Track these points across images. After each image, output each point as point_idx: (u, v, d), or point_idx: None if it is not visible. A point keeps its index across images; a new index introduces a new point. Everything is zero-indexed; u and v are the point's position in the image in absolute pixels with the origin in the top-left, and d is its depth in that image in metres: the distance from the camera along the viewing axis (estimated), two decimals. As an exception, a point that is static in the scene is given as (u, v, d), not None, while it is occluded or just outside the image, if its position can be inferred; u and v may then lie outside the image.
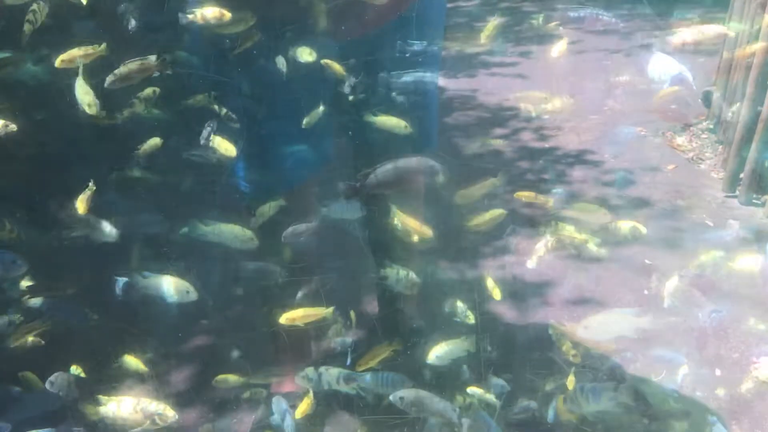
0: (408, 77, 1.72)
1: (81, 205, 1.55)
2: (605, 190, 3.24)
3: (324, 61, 1.58)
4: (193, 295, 1.67)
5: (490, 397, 1.77)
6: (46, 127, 1.92)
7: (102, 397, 1.42)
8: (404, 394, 1.62)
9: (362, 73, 1.66)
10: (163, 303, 1.69)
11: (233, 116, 1.65)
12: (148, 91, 1.63)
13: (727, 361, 2.20)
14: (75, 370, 1.72)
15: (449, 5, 1.98)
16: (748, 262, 1.96)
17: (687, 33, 1.59)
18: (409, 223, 1.72)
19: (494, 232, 2.73)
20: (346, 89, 1.66)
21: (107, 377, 1.77)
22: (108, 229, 1.65)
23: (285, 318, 1.65)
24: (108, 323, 1.96)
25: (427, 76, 1.81)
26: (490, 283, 1.92)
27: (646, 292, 2.51)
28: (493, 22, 1.94)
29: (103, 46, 1.51)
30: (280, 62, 1.56)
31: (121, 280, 1.69)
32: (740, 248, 2.55)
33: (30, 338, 1.74)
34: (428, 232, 1.72)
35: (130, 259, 1.98)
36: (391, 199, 1.73)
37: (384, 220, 1.73)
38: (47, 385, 1.59)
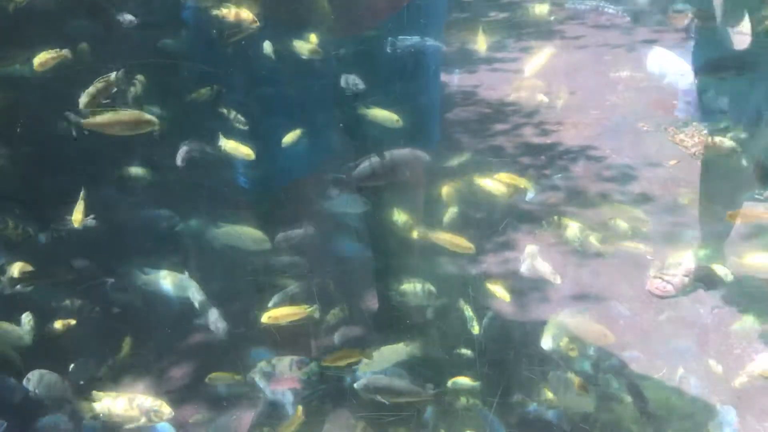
0: (410, 72, 1.72)
1: (77, 216, 1.55)
2: (607, 186, 3.23)
3: (299, 42, 1.57)
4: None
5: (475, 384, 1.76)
6: (41, 126, 1.92)
7: (97, 393, 1.41)
8: (368, 381, 1.62)
9: (359, 68, 1.65)
10: (164, 299, 1.69)
11: (242, 118, 1.65)
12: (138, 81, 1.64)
13: (728, 357, 2.19)
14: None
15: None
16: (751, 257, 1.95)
17: None
18: (447, 238, 1.72)
19: (492, 226, 2.75)
20: (343, 82, 1.65)
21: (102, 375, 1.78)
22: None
23: (267, 317, 1.65)
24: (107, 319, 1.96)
25: (429, 70, 1.80)
26: (492, 284, 1.90)
27: (647, 287, 2.51)
28: (482, 35, 1.91)
29: (65, 51, 1.52)
30: (273, 53, 1.56)
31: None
32: (741, 243, 2.55)
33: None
34: (469, 246, 1.73)
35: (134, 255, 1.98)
36: (385, 191, 1.72)
37: (379, 214, 1.72)
38: (24, 383, 1.57)
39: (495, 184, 1.78)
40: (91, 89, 1.46)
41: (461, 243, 1.73)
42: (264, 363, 1.73)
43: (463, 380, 1.76)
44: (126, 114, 1.45)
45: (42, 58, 1.50)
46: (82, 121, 1.42)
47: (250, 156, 1.62)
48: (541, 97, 2.22)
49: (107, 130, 1.45)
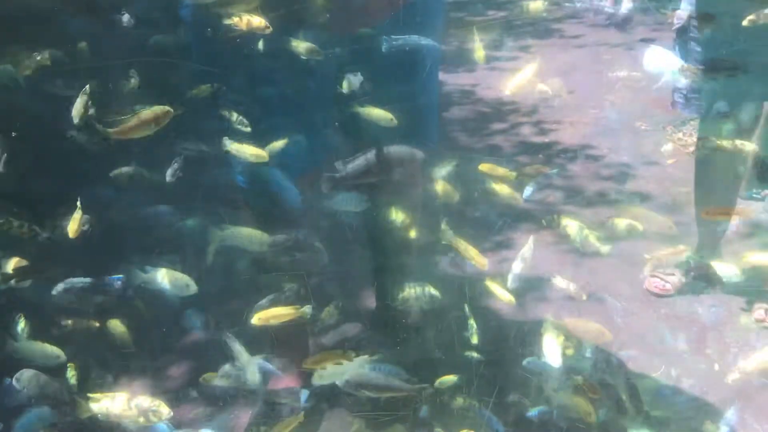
0: (408, 71, 1.72)
1: (72, 228, 1.54)
2: (605, 185, 3.23)
3: (294, 42, 1.57)
4: (193, 289, 1.67)
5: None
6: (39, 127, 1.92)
7: (94, 394, 1.41)
8: (351, 377, 1.62)
9: (358, 67, 1.65)
10: (163, 297, 1.69)
11: (245, 121, 1.65)
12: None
13: (726, 356, 2.19)
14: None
15: (447, -1, 1.97)
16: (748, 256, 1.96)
17: None
18: (465, 249, 1.73)
19: (489, 224, 2.74)
20: (343, 83, 1.65)
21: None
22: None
23: (258, 318, 1.64)
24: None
25: (427, 70, 1.80)
26: (491, 284, 1.90)
27: (644, 286, 2.51)
28: (480, 48, 1.90)
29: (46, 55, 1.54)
30: (273, 52, 1.56)
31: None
32: (739, 242, 2.55)
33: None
34: (484, 261, 1.74)
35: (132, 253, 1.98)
36: (380, 189, 1.72)
37: (374, 212, 1.72)
38: (14, 383, 1.55)
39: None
40: (79, 104, 1.49)
41: (476, 257, 1.73)
42: (228, 366, 1.72)
43: (448, 377, 1.77)
44: (147, 113, 1.47)
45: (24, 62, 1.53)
46: (110, 131, 1.46)
47: (265, 158, 1.61)
48: (542, 87, 2.19)
49: (133, 134, 1.48)
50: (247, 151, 1.63)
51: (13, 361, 1.64)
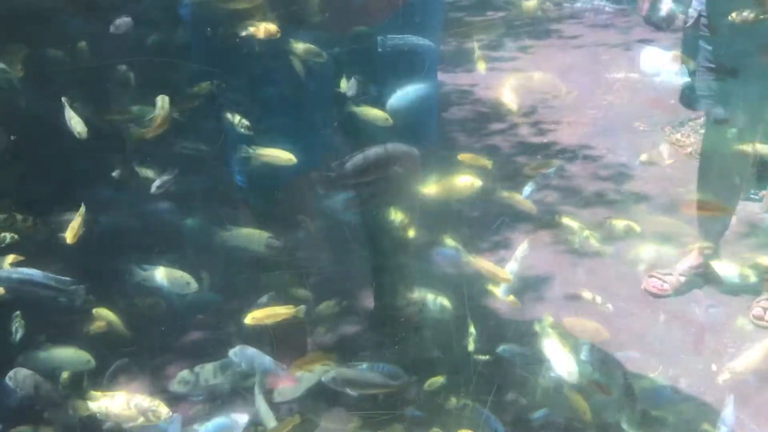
0: (407, 70, 1.72)
1: (70, 234, 1.53)
2: (603, 185, 3.23)
3: (293, 43, 1.58)
4: (193, 287, 1.67)
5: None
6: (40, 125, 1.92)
7: (93, 393, 1.41)
8: (335, 374, 1.62)
9: (357, 67, 1.66)
10: (162, 295, 1.69)
11: (246, 123, 1.65)
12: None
13: (723, 356, 2.20)
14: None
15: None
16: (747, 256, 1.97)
17: None
18: (487, 267, 1.74)
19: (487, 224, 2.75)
20: (343, 84, 1.65)
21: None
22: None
23: (251, 318, 1.64)
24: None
25: (427, 69, 1.80)
26: (492, 286, 1.90)
27: (642, 286, 2.51)
28: (480, 58, 1.90)
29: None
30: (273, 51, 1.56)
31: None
32: (737, 243, 2.56)
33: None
34: (507, 276, 1.76)
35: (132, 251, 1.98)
36: (378, 188, 1.72)
37: (372, 211, 1.72)
38: (7, 380, 1.53)
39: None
40: (72, 112, 1.56)
41: (499, 273, 1.76)
42: (186, 372, 1.71)
43: (436, 378, 1.78)
44: (163, 111, 1.58)
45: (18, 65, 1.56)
46: (144, 131, 1.58)
47: (292, 161, 1.62)
48: (546, 80, 2.19)
49: (158, 132, 1.59)
50: (274, 154, 1.63)
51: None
